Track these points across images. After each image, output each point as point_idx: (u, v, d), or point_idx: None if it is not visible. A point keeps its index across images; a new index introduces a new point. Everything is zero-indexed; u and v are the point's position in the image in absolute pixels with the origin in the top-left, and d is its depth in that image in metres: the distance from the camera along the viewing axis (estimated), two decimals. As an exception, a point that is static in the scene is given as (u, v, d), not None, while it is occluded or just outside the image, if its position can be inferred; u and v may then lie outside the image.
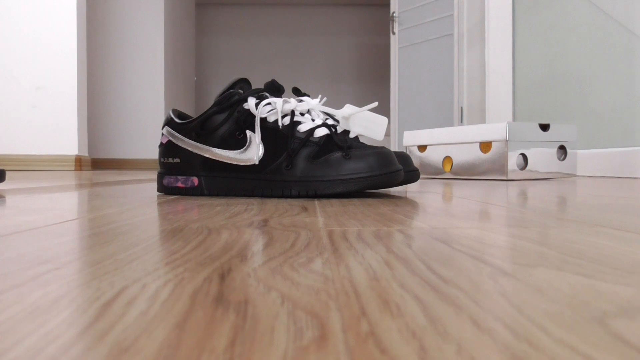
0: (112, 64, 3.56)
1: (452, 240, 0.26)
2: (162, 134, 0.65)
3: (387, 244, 0.25)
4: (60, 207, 0.46)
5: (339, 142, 0.58)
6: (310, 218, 0.37)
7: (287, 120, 0.59)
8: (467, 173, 1.31)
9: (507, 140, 1.21)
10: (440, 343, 0.11)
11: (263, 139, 0.59)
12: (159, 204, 0.50)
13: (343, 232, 0.29)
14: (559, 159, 1.31)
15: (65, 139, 2.60)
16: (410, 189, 0.78)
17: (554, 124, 1.39)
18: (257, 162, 0.59)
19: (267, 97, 0.62)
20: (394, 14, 2.95)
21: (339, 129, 0.61)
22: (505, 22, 2.17)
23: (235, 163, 0.60)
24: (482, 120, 2.34)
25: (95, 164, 3.52)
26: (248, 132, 0.60)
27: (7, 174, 1.78)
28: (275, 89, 0.63)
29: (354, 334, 0.12)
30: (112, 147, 3.60)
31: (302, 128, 0.59)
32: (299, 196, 0.59)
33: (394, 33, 2.96)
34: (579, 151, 1.73)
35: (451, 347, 0.11)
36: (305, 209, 0.44)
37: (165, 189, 0.65)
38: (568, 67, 1.84)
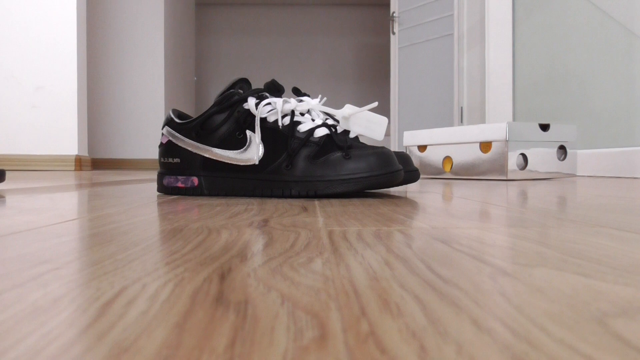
0: (112, 64, 3.56)
1: (452, 240, 0.26)
2: (162, 134, 0.65)
3: (387, 244, 0.25)
4: (60, 207, 0.46)
5: (339, 142, 0.58)
6: (310, 218, 0.37)
7: (287, 120, 0.59)
8: (467, 173, 1.31)
9: (507, 140, 1.21)
10: (440, 343, 0.11)
11: (263, 139, 0.59)
12: (159, 204, 0.50)
13: (343, 232, 0.29)
14: (559, 159, 1.31)
15: (65, 139, 2.60)
16: (410, 189, 0.78)
17: (554, 124, 1.39)
18: (257, 162, 0.59)
19: (267, 97, 0.62)
20: (394, 14, 2.95)
21: (339, 129, 0.61)
22: (505, 22, 2.17)
23: (235, 163, 0.60)
24: (482, 120, 2.34)
25: (95, 164, 3.52)
26: (248, 132, 0.60)
27: (7, 174, 1.78)
28: (275, 89, 0.63)
29: (354, 334, 0.12)
30: (112, 147, 3.60)
31: (302, 128, 0.59)
32: (299, 196, 0.59)
33: (394, 33, 2.96)
34: (579, 151, 1.73)
35: (451, 347, 0.11)
36: (305, 209, 0.44)
37: (165, 189, 0.65)
38: (568, 67, 1.84)
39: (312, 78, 5.02)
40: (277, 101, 0.60)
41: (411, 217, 0.37)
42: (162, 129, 0.66)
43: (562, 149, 1.32)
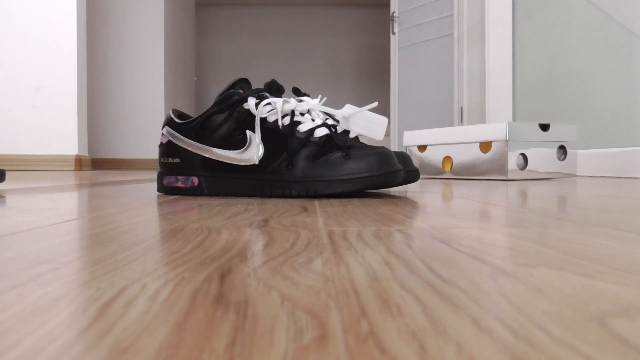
0: (112, 64, 3.56)
1: (452, 240, 0.26)
2: (162, 134, 0.65)
3: (387, 244, 0.25)
4: (60, 207, 0.46)
5: (339, 142, 0.58)
6: (310, 218, 0.37)
7: (287, 120, 0.59)
8: (467, 173, 1.31)
9: (507, 140, 1.21)
10: (440, 343, 0.11)
11: (263, 139, 0.59)
12: (159, 204, 0.50)
13: (343, 232, 0.29)
14: (559, 159, 1.31)
15: (65, 139, 2.60)
16: (410, 189, 0.78)
17: (554, 124, 1.39)
18: (257, 162, 0.59)
19: (267, 97, 0.62)
20: (394, 14, 2.95)
21: (339, 129, 0.61)
22: (505, 22, 2.17)
23: (235, 163, 0.60)
24: (482, 120, 2.34)
25: (95, 164, 3.52)
26: (248, 132, 0.60)
27: (7, 174, 1.78)
28: (275, 89, 0.63)
29: (354, 334, 0.12)
30: (112, 147, 3.60)
31: (302, 128, 0.59)
32: (299, 196, 0.59)
33: (394, 33, 2.96)
34: (579, 151, 1.73)
35: (451, 347, 0.11)
36: (305, 209, 0.44)
37: (165, 189, 0.65)
38: (568, 67, 1.84)
39: (312, 78, 5.02)
40: (277, 101, 0.60)
41: (411, 217, 0.37)
42: (162, 129, 0.66)
43: (562, 149, 1.32)
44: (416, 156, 1.46)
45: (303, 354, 0.11)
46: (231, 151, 0.60)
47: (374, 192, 0.69)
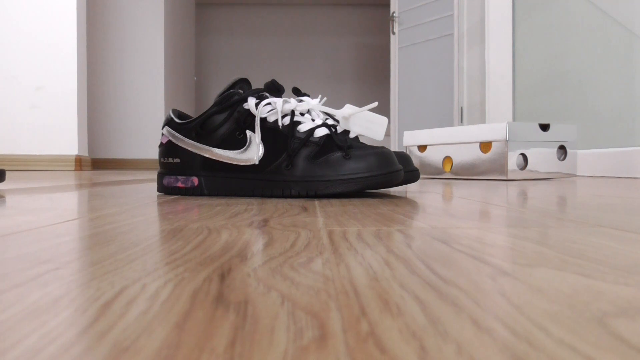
0: (112, 64, 3.56)
1: (452, 240, 0.26)
2: (162, 134, 0.65)
3: (387, 244, 0.25)
4: (60, 207, 0.46)
5: (339, 142, 0.58)
6: (310, 218, 0.37)
7: (287, 120, 0.59)
8: (467, 173, 1.31)
9: (507, 140, 1.21)
10: (440, 343, 0.11)
11: (263, 139, 0.59)
12: (159, 204, 0.50)
13: (343, 232, 0.29)
14: (559, 159, 1.31)
15: (65, 139, 2.60)
16: (410, 189, 0.78)
17: (554, 124, 1.39)
18: (257, 162, 0.59)
19: (267, 97, 0.62)
20: (394, 14, 2.95)
21: (339, 129, 0.61)
22: (505, 22, 2.17)
23: (235, 163, 0.60)
24: (482, 120, 2.34)
25: (95, 164, 3.52)
26: (248, 132, 0.60)
27: (7, 174, 1.78)
28: (275, 89, 0.63)
29: (354, 334, 0.12)
30: (112, 147, 3.60)
31: (302, 128, 0.59)
32: (299, 196, 0.59)
33: (394, 33, 2.96)
34: (579, 151, 1.73)
35: (451, 347, 0.11)
36: (305, 209, 0.44)
37: (165, 189, 0.65)
38: (568, 67, 1.84)
39: (312, 78, 5.02)
40: (277, 101, 0.60)
41: (411, 217, 0.37)
42: (162, 129, 0.66)
43: (562, 149, 1.32)
44: (416, 156, 1.46)
45: (303, 354, 0.11)
46: (231, 151, 0.60)
47: (374, 192, 0.69)
